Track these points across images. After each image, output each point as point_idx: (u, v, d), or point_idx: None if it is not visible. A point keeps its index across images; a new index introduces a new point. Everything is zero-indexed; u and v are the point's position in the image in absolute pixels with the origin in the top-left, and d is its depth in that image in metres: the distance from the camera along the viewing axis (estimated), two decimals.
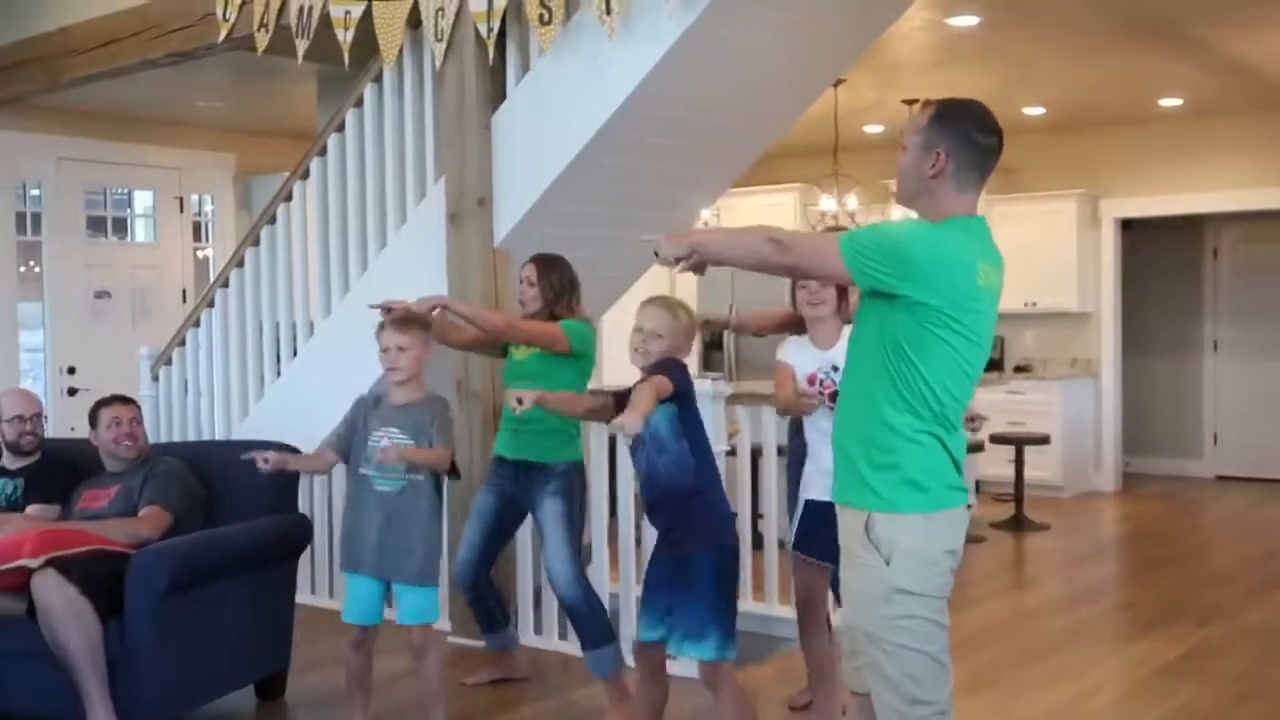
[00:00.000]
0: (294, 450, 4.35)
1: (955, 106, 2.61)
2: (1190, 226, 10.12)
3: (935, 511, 2.57)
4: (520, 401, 3.48)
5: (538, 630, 5.05)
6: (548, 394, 3.74)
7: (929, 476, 2.57)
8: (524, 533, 4.90)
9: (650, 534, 4.86)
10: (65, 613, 3.61)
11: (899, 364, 2.53)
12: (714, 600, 3.33)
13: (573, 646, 4.53)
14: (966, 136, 2.57)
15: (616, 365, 9.17)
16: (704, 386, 4.53)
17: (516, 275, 5.11)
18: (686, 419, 3.39)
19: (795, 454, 4.17)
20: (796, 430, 4.19)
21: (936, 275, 2.48)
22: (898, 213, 8.92)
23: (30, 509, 4.32)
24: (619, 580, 4.91)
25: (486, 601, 4.58)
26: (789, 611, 4.88)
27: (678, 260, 2.60)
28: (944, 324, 2.50)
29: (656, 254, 2.66)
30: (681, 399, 3.36)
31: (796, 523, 3.91)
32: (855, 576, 2.60)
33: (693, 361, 10.94)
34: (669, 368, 3.37)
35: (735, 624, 3.39)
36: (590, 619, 4.27)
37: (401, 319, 3.89)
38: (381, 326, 3.89)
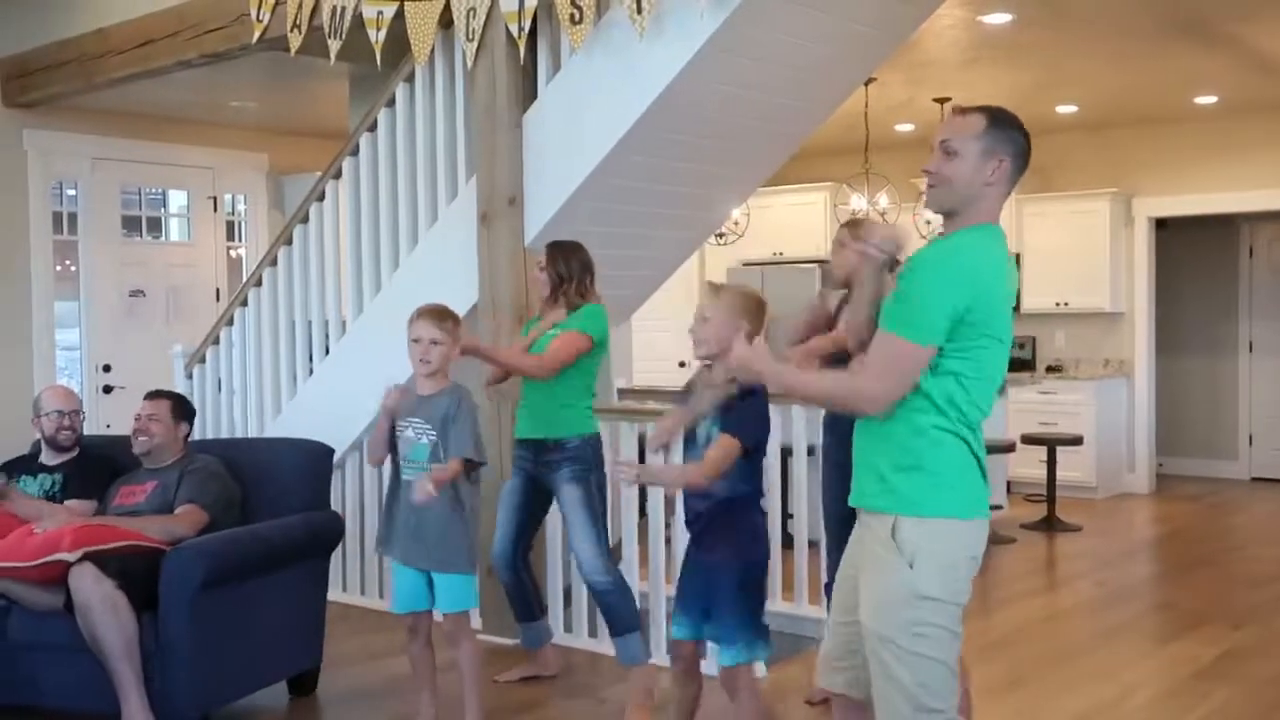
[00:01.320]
0: (332, 451, 4.56)
1: (1004, 113, 2.62)
2: (1225, 225, 10.03)
3: (961, 517, 2.57)
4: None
5: (568, 628, 5.07)
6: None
7: (957, 480, 2.56)
8: (553, 529, 4.92)
9: (680, 532, 4.87)
10: (102, 606, 3.65)
11: (939, 374, 2.52)
12: (738, 608, 3.35)
13: (603, 645, 4.54)
14: (1019, 143, 2.60)
15: (646, 364, 9.20)
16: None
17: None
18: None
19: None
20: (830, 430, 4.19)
21: (994, 287, 2.52)
22: (928, 211, 8.87)
23: (69, 503, 4.38)
24: (648, 578, 4.92)
25: (524, 588, 4.61)
26: (818, 611, 4.87)
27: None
28: (986, 332, 2.52)
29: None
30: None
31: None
32: (877, 579, 2.58)
33: None
34: (743, 417, 3.29)
35: (762, 628, 3.40)
36: (619, 604, 4.34)
37: (437, 311, 3.93)
38: (416, 317, 3.91)
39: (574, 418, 4.43)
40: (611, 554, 4.67)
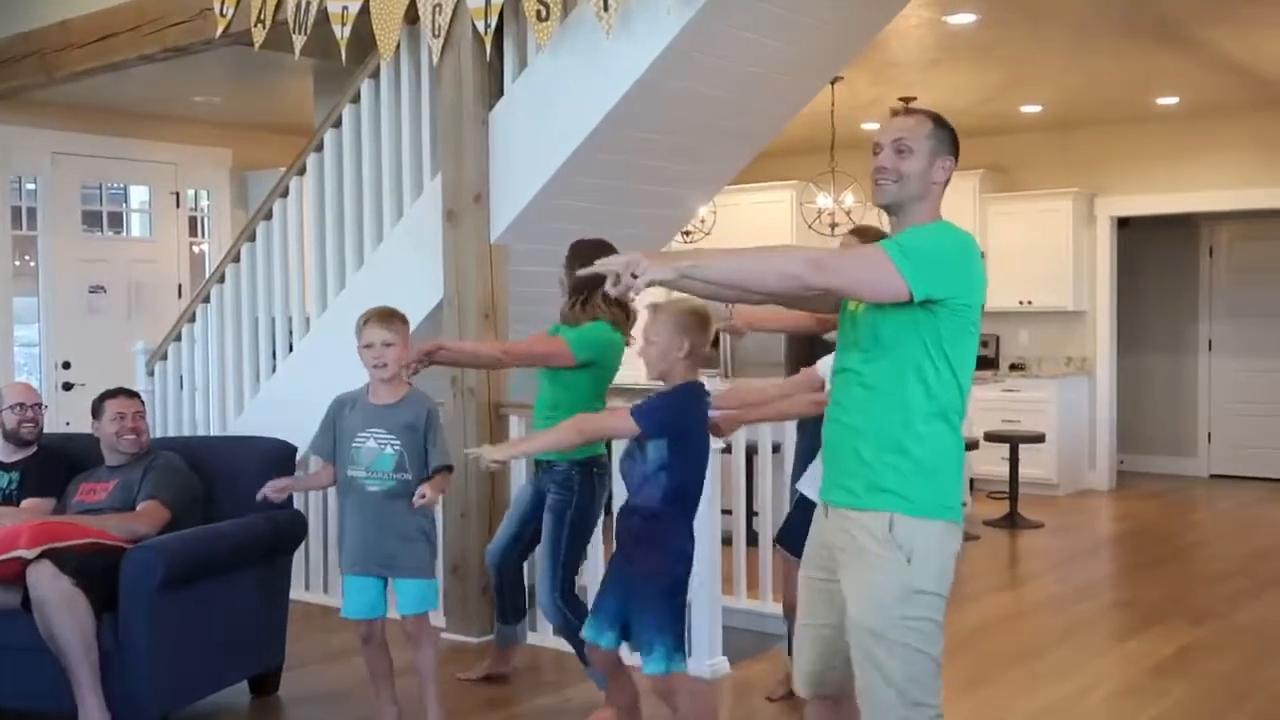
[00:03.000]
0: (295, 449, 4.50)
1: (943, 117, 2.71)
2: (1186, 225, 10.14)
3: (951, 519, 2.61)
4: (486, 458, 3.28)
5: (533, 627, 5.05)
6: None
7: (950, 479, 2.61)
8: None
9: None
10: (59, 604, 3.61)
11: (938, 364, 2.55)
12: (657, 617, 3.33)
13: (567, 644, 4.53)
14: (956, 147, 2.69)
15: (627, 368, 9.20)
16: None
17: (511, 271, 5.11)
18: (675, 454, 3.30)
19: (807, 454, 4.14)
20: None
21: (979, 277, 2.59)
22: None
23: (25, 503, 4.33)
24: None
25: (507, 589, 4.58)
26: (780, 608, 4.89)
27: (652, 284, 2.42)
28: (974, 322, 2.59)
29: (628, 276, 2.41)
30: (673, 435, 3.29)
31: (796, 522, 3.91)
32: (871, 576, 2.57)
33: None
34: (657, 403, 3.29)
35: (681, 642, 3.38)
36: (570, 640, 4.28)
37: (385, 314, 3.87)
38: (364, 322, 3.85)
39: None
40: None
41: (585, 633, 3.51)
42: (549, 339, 4.28)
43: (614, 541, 3.48)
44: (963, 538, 2.69)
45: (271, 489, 3.83)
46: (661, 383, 3.38)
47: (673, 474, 3.30)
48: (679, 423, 3.31)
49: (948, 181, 2.68)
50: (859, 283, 2.51)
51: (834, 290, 2.55)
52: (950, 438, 2.61)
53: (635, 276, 2.42)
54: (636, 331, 3.72)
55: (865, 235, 4.09)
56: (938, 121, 2.67)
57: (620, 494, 3.60)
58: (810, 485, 3.84)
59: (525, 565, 4.62)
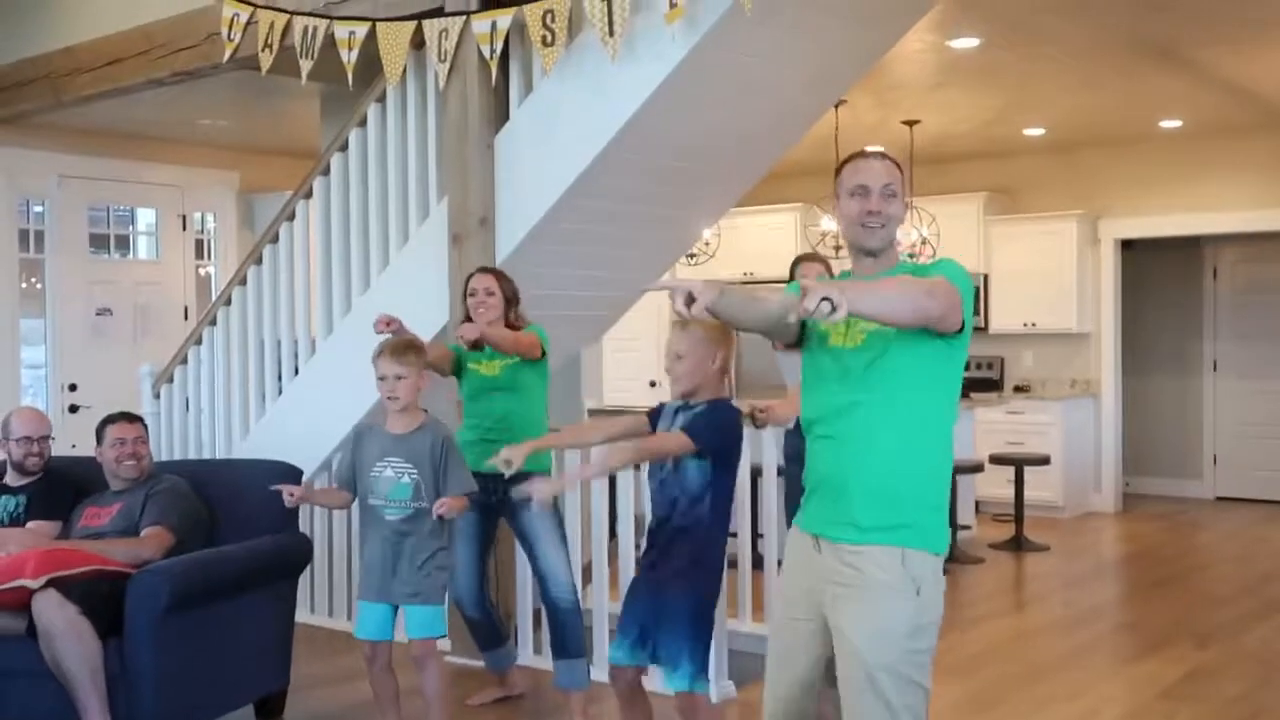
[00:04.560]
0: (301, 472, 4.52)
1: None
2: (1190, 247, 10.14)
3: (943, 551, 2.64)
4: (509, 463, 3.43)
5: (538, 650, 5.05)
6: (542, 441, 3.86)
7: (946, 512, 2.66)
8: (522, 553, 4.91)
9: None
10: (66, 633, 3.61)
11: (948, 397, 2.62)
12: (689, 633, 3.33)
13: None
14: None
15: (617, 384, 9.21)
16: None
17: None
18: (719, 476, 3.34)
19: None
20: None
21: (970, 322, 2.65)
22: (899, 230, 8.92)
23: (30, 525, 4.32)
24: (620, 599, 4.90)
25: (491, 619, 4.61)
26: None
27: (831, 309, 2.20)
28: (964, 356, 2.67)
29: (811, 307, 2.19)
30: (715, 456, 3.32)
31: None
32: (880, 611, 2.56)
33: None
34: (708, 421, 3.29)
35: (706, 661, 3.37)
36: (577, 626, 4.38)
37: (397, 347, 3.93)
38: (378, 355, 3.90)
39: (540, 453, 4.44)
40: (585, 572, 4.67)
41: (613, 656, 3.47)
42: (530, 337, 4.43)
43: (636, 564, 3.48)
44: (946, 563, 2.74)
45: (286, 491, 3.87)
46: (690, 399, 3.36)
47: (718, 491, 3.33)
48: (728, 441, 3.35)
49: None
50: (948, 309, 2.52)
51: (938, 321, 2.52)
52: (948, 469, 2.68)
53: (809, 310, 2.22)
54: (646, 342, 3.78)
55: (815, 261, 4.37)
56: (899, 166, 2.77)
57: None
58: None
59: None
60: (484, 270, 4.61)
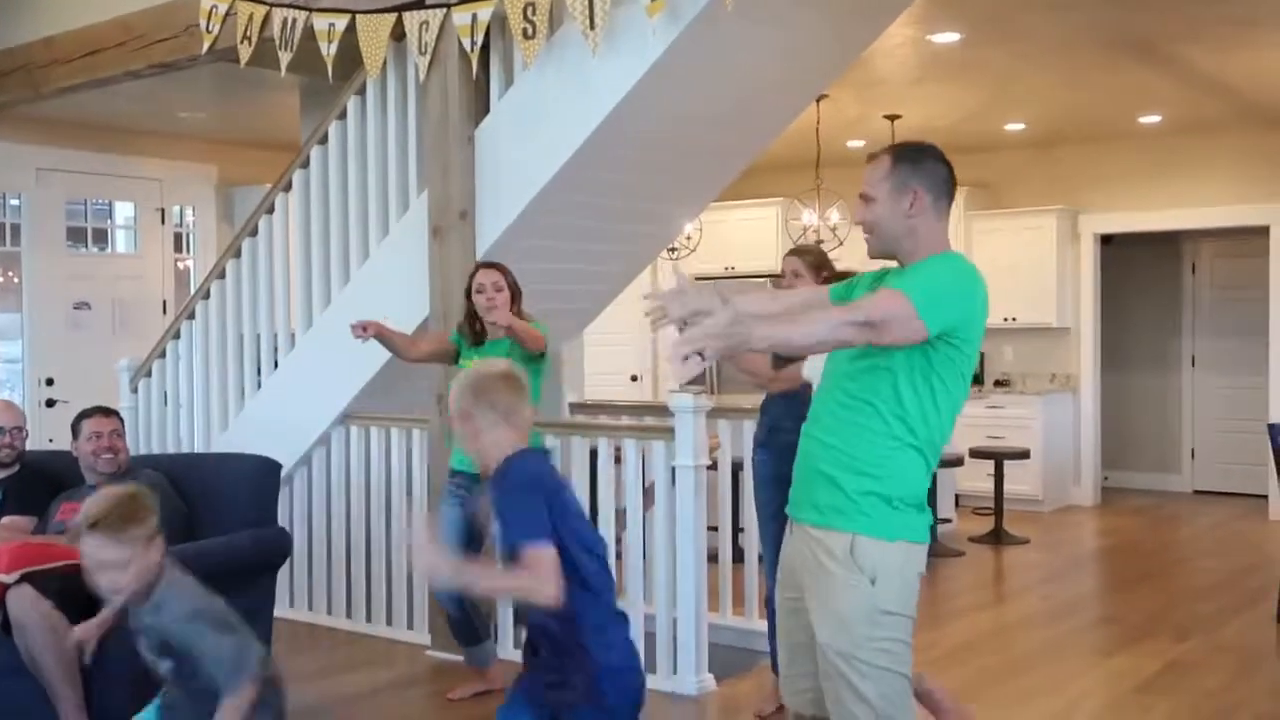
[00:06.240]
0: (280, 466, 4.53)
1: (914, 147, 2.70)
2: (1168, 242, 10.20)
3: (914, 540, 2.60)
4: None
5: (517, 645, 5.03)
6: None
7: (914, 503, 2.61)
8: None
9: (633, 553, 4.88)
10: (41, 628, 3.58)
11: (920, 396, 2.55)
12: None
13: None
14: (935, 172, 2.66)
15: (598, 379, 9.19)
16: (685, 401, 4.55)
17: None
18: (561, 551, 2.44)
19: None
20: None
21: (980, 313, 2.61)
22: None
23: (5, 520, 4.29)
24: None
25: (469, 616, 4.59)
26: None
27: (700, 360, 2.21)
28: (968, 357, 2.59)
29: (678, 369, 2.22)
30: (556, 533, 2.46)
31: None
32: (837, 597, 2.57)
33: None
34: (527, 499, 2.47)
35: None
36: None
37: (110, 519, 2.81)
38: (81, 530, 2.82)
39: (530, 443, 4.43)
40: None
41: None
42: (536, 332, 4.47)
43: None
44: (927, 556, 2.69)
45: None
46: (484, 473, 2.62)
47: (566, 565, 2.44)
48: (552, 517, 2.46)
49: (936, 210, 2.65)
50: (891, 329, 2.45)
51: (876, 342, 2.48)
52: (920, 469, 2.60)
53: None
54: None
55: (804, 254, 4.26)
56: (900, 156, 2.65)
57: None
58: None
59: None
60: (488, 265, 4.60)
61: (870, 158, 2.70)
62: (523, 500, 2.46)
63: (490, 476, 2.56)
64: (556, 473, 2.67)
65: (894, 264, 2.70)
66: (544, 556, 2.38)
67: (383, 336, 4.67)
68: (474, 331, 4.63)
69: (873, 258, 2.70)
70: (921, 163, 2.65)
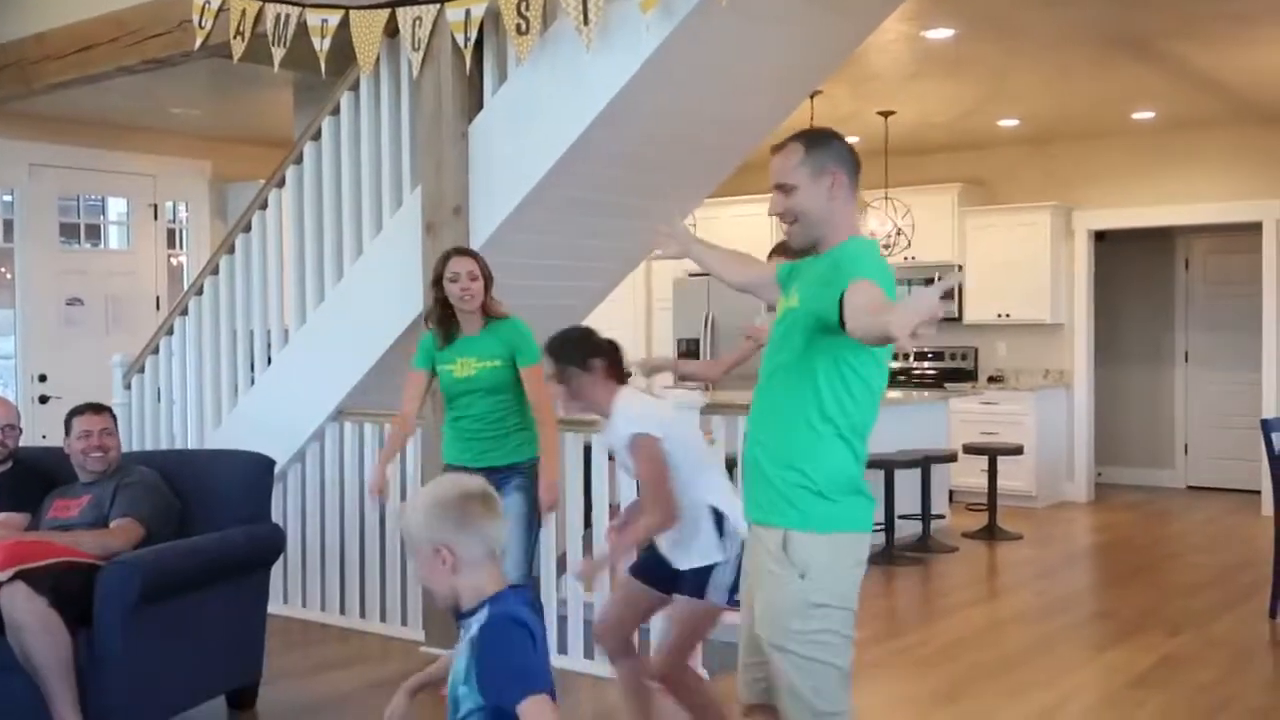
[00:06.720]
0: (274, 462, 4.54)
1: (818, 131, 2.70)
2: (1162, 238, 10.21)
3: (849, 530, 2.60)
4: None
5: None
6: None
7: (846, 494, 2.60)
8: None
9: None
10: (35, 626, 3.58)
11: (835, 384, 2.55)
12: None
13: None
14: (842, 152, 2.66)
15: None
16: (680, 396, 4.55)
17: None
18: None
19: None
20: None
21: (892, 290, 2.55)
22: (873, 222, 8.97)
23: None
24: (593, 589, 4.90)
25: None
26: None
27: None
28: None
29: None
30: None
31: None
32: (770, 592, 2.60)
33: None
34: (513, 650, 2.14)
35: None
36: None
37: None
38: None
39: (527, 441, 4.41)
40: (560, 562, 4.67)
41: None
42: (540, 376, 4.28)
43: None
44: (868, 548, 2.67)
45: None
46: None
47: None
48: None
49: (851, 189, 2.65)
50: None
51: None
52: (847, 456, 2.59)
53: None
54: None
55: (788, 251, 4.18)
56: (809, 141, 2.65)
57: None
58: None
59: None
60: (461, 252, 4.44)
61: (775, 149, 2.68)
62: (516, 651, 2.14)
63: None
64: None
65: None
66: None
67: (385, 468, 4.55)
68: (446, 330, 4.41)
69: (796, 248, 2.67)
70: (831, 144, 2.65)
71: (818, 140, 2.66)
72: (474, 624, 2.16)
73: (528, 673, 2.10)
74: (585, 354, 3.44)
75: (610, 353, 3.49)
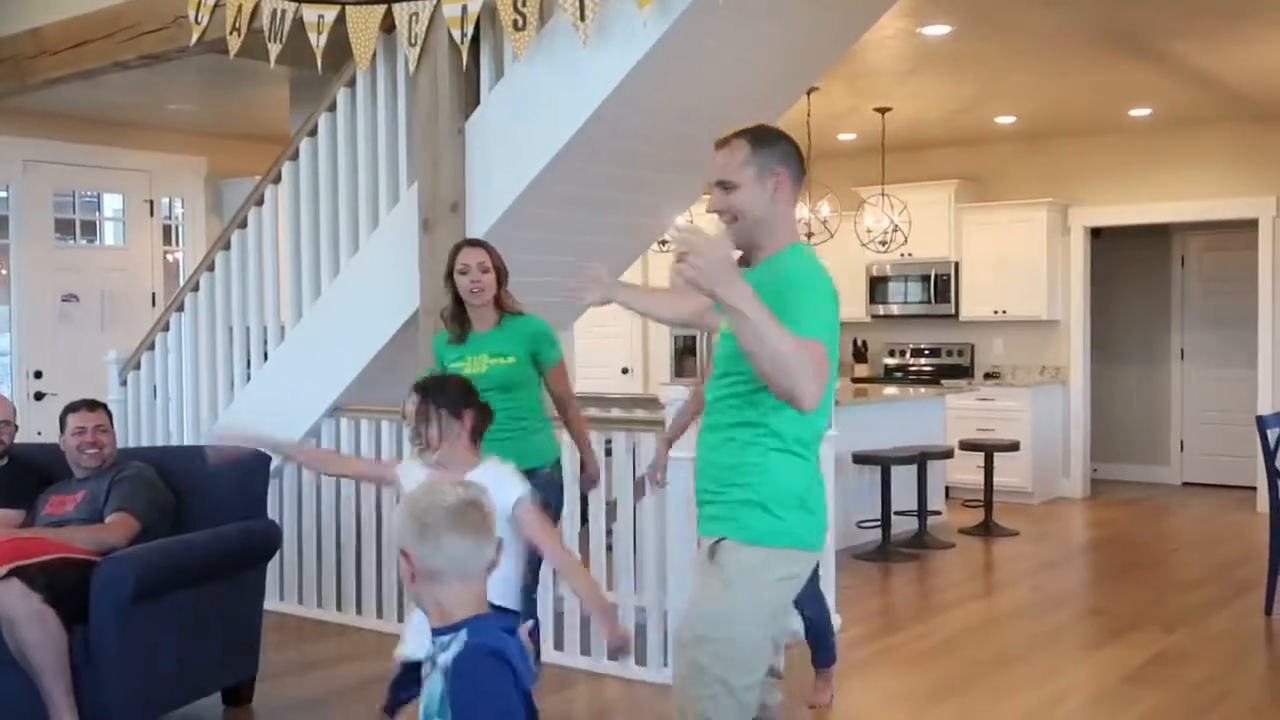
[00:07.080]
0: (269, 459, 4.46)
1: (764, 129, 2.61)
2: (1158, 235, 10.22)
3: (787, 545, 2.53)
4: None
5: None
6: None
7: (794, 503, 2.53)
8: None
9: (623, 545, 4.88)
10: (30, 622, 3.57)
11: (776, 399, 2.46)
12: None
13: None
14: (787, 152, 2.59)
15: (589, 371, 9.19)
16: (676, 392, 4.55)
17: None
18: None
19: None
20: None
21: (834, 314, 2.49)
22: (869, 218, 8.97)
23: None
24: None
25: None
26: None
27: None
28: (829, 350, 2.43)
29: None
30: None
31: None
32: (693, 590, 2.62)
33: (664, 367, 10.96)
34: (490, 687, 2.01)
35: None
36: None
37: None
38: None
39: (545, 444, 4.19)
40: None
41: None
42: (564, 371, 4.33)
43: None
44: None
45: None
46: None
47: None
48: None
49: (793, 190, 2.58)
50: (804, 384, 2.28)
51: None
52: (794, 469, 2.53)
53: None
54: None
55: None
56: (756, 139, 2.56)
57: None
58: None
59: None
60: (473, 244, 4.18)
61: (719, 144, 2.59)
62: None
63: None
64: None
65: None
66: None
67: None
68: (460, 326, 4.17)
69: (738, 245, 2.59)
70: (777, 144, 2.58)
71: (764, 139, 2.57)
72: (450, 648, 1.99)
73: (504, 716, 1.97)
74: (460, 404, 3.24)
75: (481, 411, 3.29)
